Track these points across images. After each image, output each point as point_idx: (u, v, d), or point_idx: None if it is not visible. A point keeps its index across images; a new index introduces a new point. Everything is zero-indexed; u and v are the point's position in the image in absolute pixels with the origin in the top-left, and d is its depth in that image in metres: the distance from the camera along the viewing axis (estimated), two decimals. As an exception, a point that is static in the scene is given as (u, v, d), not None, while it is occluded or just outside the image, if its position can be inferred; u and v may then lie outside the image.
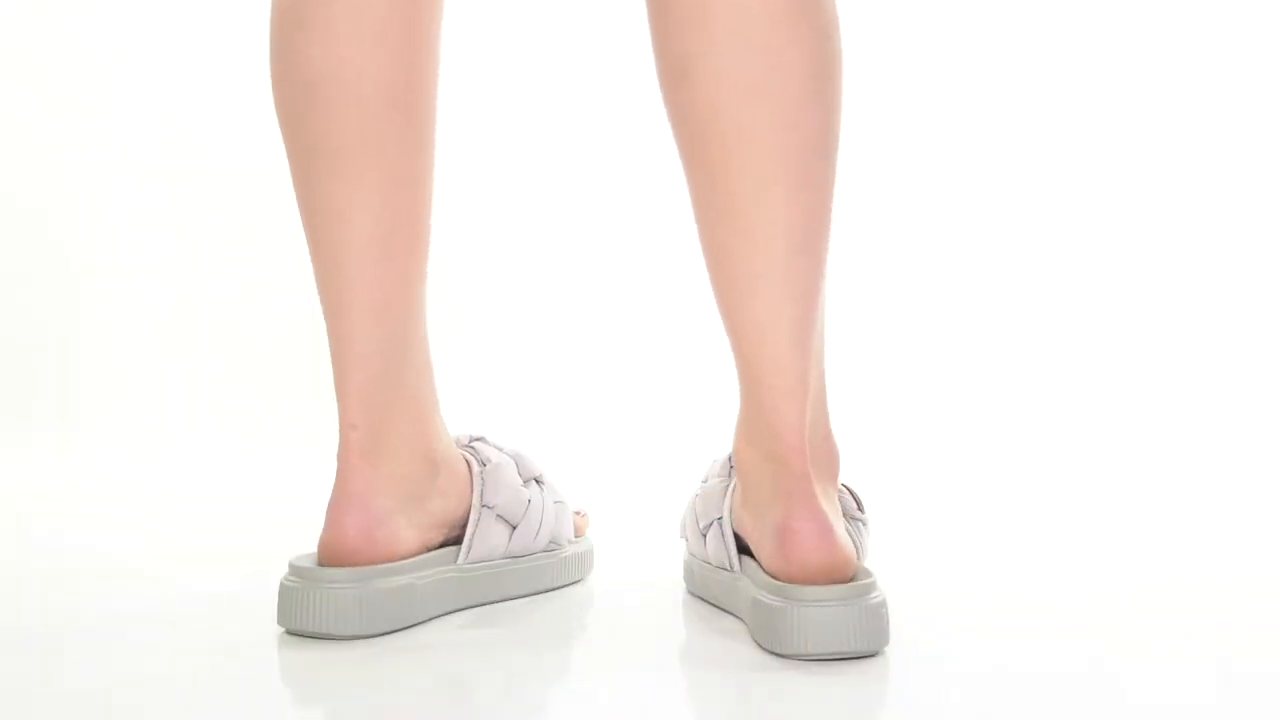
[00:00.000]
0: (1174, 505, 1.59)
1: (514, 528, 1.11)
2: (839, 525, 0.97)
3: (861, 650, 0.91)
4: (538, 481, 1.14)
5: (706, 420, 1.58)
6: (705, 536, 1.07)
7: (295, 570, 0.99)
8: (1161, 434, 1.89)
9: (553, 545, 1.14)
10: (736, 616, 1.02)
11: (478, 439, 1.13)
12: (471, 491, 1.09)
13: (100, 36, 2.14)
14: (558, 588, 1.14)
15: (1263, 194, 2.05)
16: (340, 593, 0.97)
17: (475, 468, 1.10)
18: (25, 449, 1.90)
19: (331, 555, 0.99)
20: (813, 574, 0.94)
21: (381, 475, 1.01)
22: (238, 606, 1.06)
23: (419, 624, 1.01)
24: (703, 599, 1.08)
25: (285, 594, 0.98)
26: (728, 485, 1.07)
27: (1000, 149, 2.09)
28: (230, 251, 2.10)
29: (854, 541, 1.04)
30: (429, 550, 1.05)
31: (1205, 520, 1.50)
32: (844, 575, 0.94)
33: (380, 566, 0.99)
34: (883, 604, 0.93)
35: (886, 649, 0.93)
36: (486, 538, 1.09)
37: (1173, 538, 1.40)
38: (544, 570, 1.13)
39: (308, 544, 1.10)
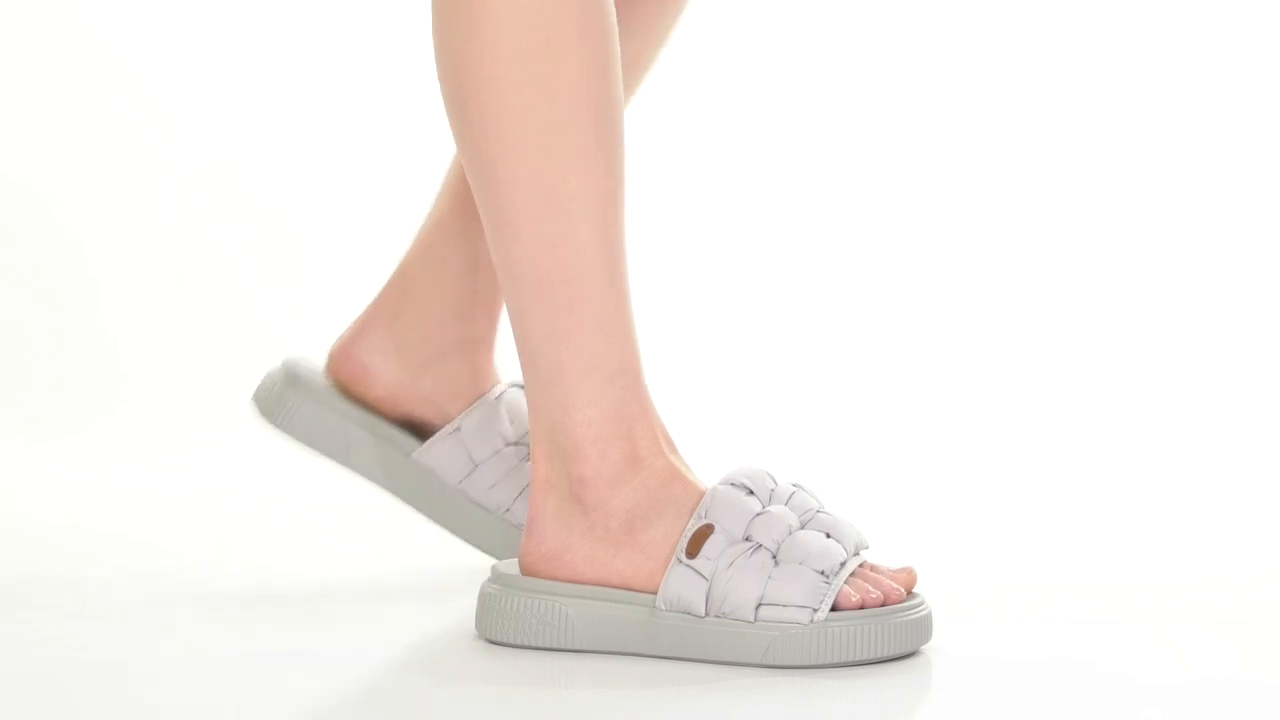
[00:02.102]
0: (1175, 500, 1.59)
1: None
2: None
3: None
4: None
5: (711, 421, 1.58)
6: None
7: (498, 577, 0.99)
8: (1162, 431, 1.89)
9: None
10: None
11: None
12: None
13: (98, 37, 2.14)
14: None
15: (1262, 193, 2.05)
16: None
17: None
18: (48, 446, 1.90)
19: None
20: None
21: None
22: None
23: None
24: None
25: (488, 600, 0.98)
26: None
27: (1000, 148, 2.09)
28: (231, 252, 2.09)
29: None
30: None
31: (1212, 513, 1.50)
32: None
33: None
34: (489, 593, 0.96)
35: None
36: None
37: (1173, 533, 1.40)
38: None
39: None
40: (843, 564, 0.93)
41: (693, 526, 0.94)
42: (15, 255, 2.09)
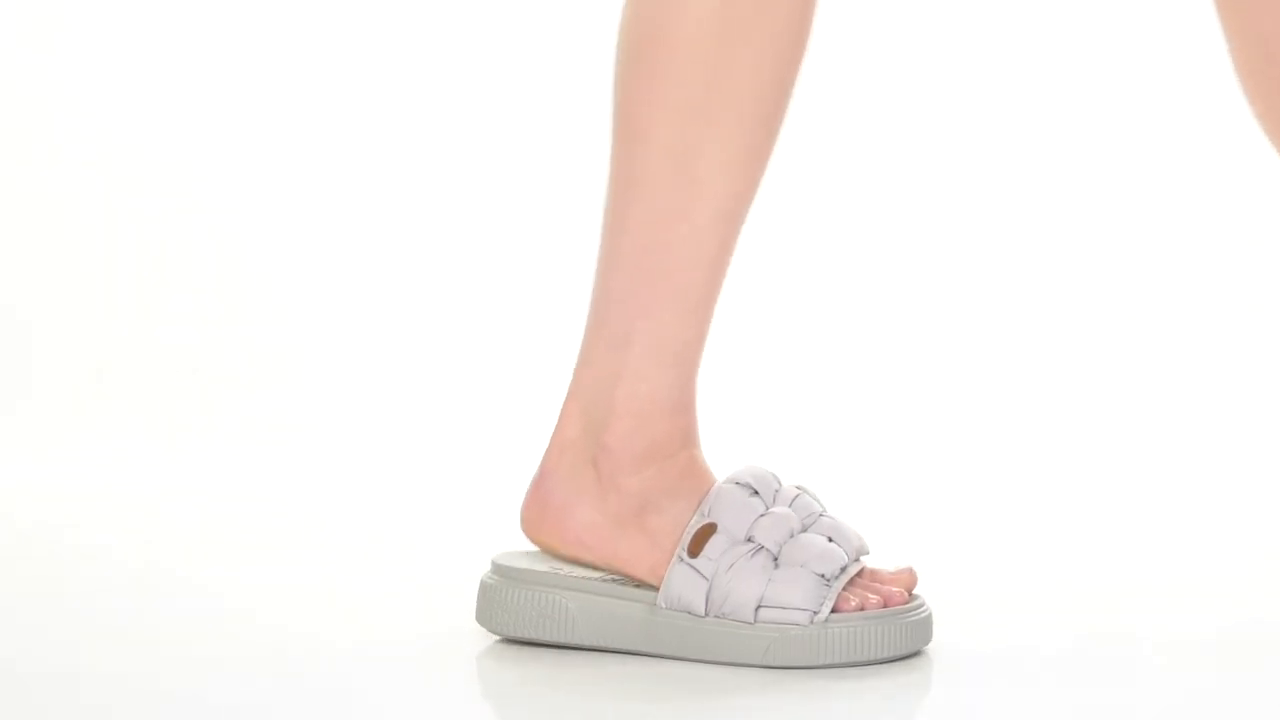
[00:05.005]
0: (1177, 498, 1.59)
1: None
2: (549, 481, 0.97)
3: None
4: None
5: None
6: None
7: (499, 569, 0.98)
8: (1164, 430, 1.89)
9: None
10: None
11: None
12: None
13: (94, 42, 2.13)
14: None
15: (1261, 192, 2.04)
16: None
17: None
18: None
19: None
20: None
21: None
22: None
23: None
24: None
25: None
26: None
27: (1000, 147, 2.09)
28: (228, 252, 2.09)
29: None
30: None
31: (1214, 512, 1.50)
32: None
33: None
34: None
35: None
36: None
37: (1176, 532, 1.40)
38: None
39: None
40: (844, 568, 0.93)
41: (696, 524, 0.94)
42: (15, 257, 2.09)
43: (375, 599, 1.13)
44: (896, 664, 0.92)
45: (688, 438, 0.97)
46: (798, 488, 0.97)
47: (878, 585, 0.94)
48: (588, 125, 2.13)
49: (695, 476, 0.96)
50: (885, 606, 0.93)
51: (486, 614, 0.97)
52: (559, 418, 0.98)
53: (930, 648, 0.94)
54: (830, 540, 0.94)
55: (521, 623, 0.96)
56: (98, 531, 1.44)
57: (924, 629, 0.93)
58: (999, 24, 2.10)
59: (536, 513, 0.97)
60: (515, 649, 0.96)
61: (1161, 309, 2.02)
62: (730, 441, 1.59)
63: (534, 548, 0.99)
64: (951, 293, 2.06)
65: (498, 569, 0.98)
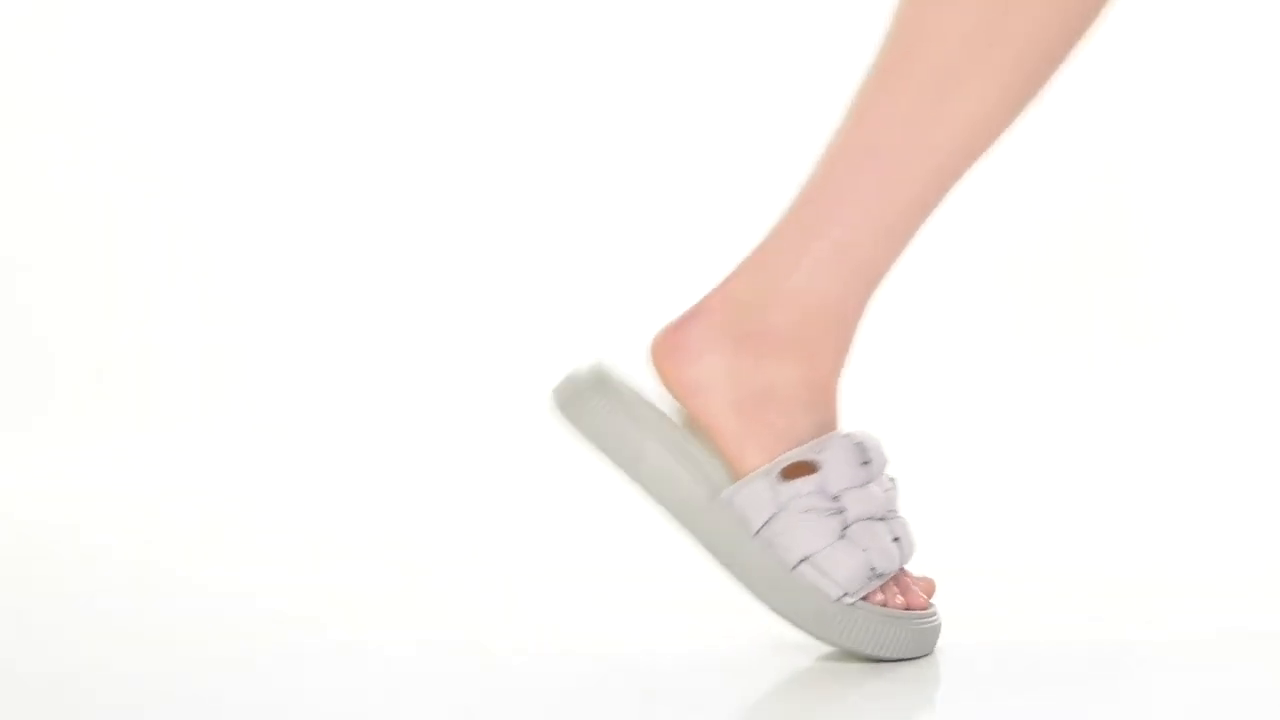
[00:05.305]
0: (1182, 497, 1.59)
1: None
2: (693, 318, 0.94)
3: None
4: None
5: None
6: None
7: (607, 373, 0.96)
8: (1166, 430, 1.89)
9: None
10: None
11: None
12: None
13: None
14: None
15: (1260, 191, 2.04)
16: None
17: None
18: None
19: None
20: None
21: None
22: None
23: None
24: None
25: None
26: None
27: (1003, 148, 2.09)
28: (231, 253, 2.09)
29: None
30: None
31: (1219, 510, 1.50)
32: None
33: None
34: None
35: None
36: None
37: (1180, 532, 1.40)
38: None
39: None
40: (892, 573, 0.93)
41: (802, 455, 0.93)
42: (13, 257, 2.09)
43: (375, 599, 1.13)
44: (893, 665, 0.92)
45: (839, 358, 0.94)
46: (891, 479, 0.96)
47: (906, 585, 0.94)
48: (586, 125, 2.13)
49: (828, 407, 0.94)
50: (906, 609, 0.93)
51: (569, 403, 0.95)
52: (739, 268, 0.95)
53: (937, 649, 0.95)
54: (895, 540, 0.93)
55: (595, 430, 0.94)
56: (98, 531, 1.44)
57: (932, 637, 0.94)
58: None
59: (672, 341, 0.95)
60: (514, 648, 0.96)
61: (1163, 309, 2.02)
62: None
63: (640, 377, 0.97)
64: (966, 290, 2.06)
65: (605, 372, 0.96)
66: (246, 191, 2.09)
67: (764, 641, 0.95)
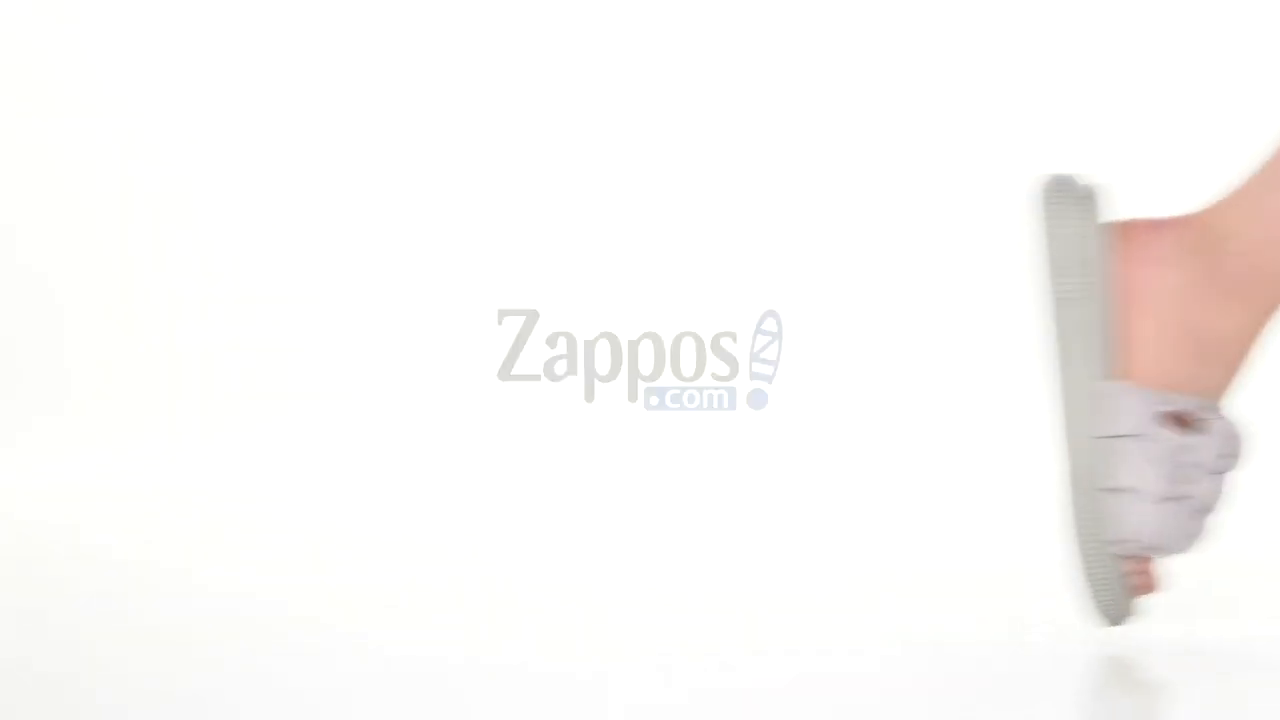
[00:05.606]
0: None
1: None
2: None
3: None
4: None
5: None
6: None
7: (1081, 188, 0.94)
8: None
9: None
10: None
11: None
12: None
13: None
14: None
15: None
16: None
17: None
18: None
19: None
20: None
21: None
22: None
23: None
24: None
25: None
26: None
27: (1001, 149, 2.09)
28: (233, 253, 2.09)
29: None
30: None
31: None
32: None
33: None
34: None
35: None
36: None
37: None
38: None
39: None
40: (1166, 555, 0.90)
41: (1214, 418, 0.89)
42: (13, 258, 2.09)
43: (376, 599, 1.13)
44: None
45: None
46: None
47: (1154, 570, 0.90)
48: (587, 126, 2.13)
49: (1233, 369, 0.91)
50: (1147, 590, 0.90)
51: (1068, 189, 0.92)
52: (1224, 201, 0.92)
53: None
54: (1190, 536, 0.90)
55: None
56: (98, 531, 1.44)
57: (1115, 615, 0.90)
58: (1002, 25, 2.10)
59: (1138, 229, 0.92)
60: (514, 649, 0.96)
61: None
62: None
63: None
64: (988, 287, 2.06)
65: (1070, 183, 0.94)
66: (247, 192, 2.09)
67: (770, 642, 0.95)
